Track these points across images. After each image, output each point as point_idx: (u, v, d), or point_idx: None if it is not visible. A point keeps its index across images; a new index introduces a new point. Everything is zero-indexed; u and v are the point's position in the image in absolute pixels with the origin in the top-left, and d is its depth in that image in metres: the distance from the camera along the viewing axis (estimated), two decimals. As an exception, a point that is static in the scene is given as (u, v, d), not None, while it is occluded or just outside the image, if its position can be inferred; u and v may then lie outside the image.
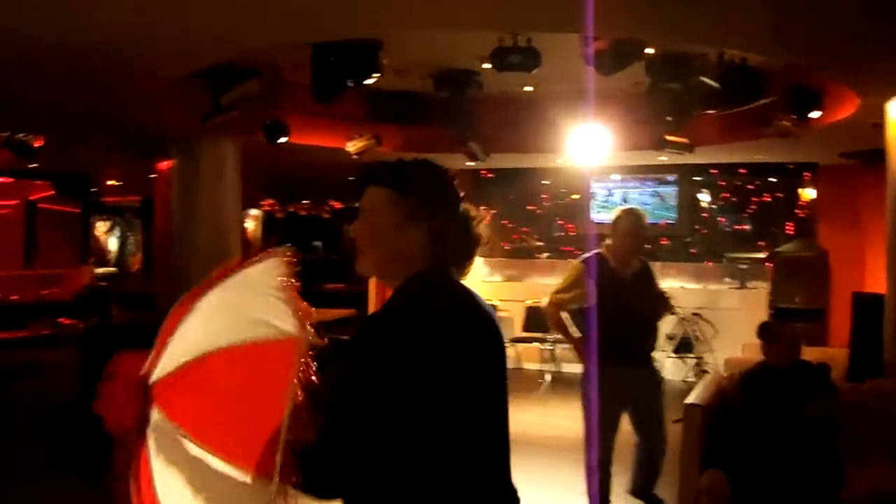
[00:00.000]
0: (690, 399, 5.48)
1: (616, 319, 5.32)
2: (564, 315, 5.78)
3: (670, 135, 10.06)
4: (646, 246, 5.82)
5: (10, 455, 7.47)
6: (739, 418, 5.06)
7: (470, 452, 2.12)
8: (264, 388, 1.88)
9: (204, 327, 1.98)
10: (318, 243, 15.92)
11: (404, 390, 1.97)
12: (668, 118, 9.57)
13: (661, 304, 5.68)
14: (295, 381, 1.82)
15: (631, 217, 5.56)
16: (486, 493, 2.17)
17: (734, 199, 13.71)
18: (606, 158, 11.12)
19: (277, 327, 1.88)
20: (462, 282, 2.23)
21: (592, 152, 10.48)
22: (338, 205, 15.69)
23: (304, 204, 16.27)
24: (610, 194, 14.08)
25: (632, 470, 5.77)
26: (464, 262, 2.22)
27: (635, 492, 5.77)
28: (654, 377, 5.76)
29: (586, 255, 5.69)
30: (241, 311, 1.96)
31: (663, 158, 12.10)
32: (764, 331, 5.54)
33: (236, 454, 1.86)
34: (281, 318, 1.89)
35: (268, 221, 16.15)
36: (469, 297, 2.21)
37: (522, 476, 6.60)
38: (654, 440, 5.66)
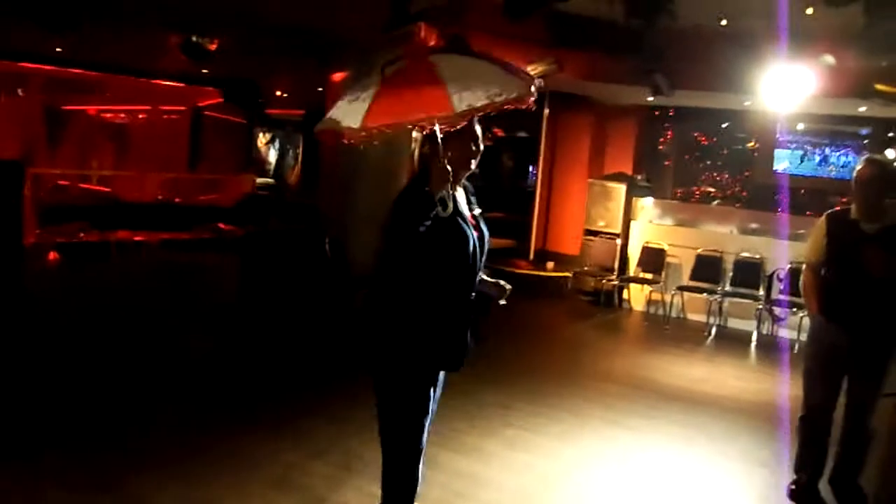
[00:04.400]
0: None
1: (848, 276, 4.92)
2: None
3: (881, 83, 9.14)
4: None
5: (173, 354, 7.52)
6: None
7: None
8: None
9: None
10: (477, 170, 15.57)
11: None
12: (883, 63, 8.66)
13: None
14: None
15: (872, 167, 4.93)
16: None
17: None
18: (798, 105, 10.28)
19: None
20: None
21: (787, 96, 9.66)
22: (500, 132, 15.26)
23: (467, 130, 15.89)
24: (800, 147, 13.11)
25: (834, 455, 5.24)
26: None
27: (833, 480, 5.24)
28: (884, 349, 5.10)
29: (831, 210, 5.28)
30: None
31: (862, 109, 11.14)
32: None
33: None
34: None
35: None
36: None
37: (698, 435, 6.13)
38: (861, 415, 5.09)
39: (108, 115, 19.33)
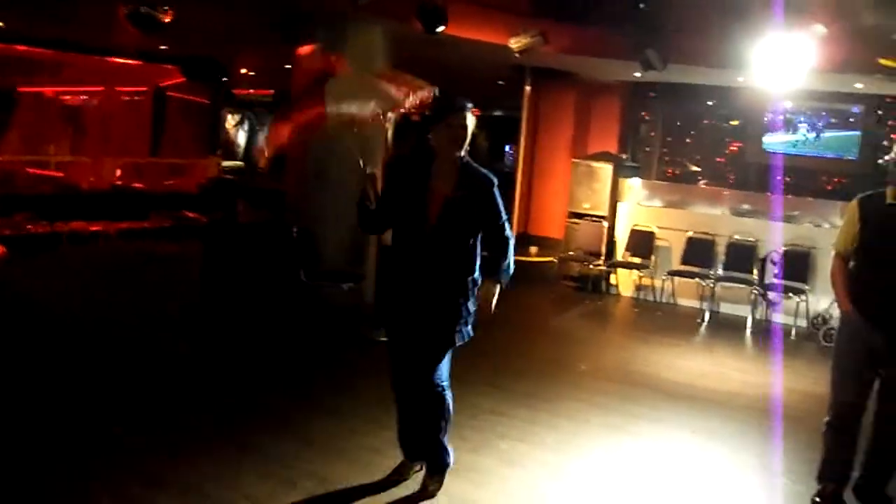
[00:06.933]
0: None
1: (884, 268, 4.43)
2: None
3: (885, 58, 8.59)
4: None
5: (129, 348, 6.89)
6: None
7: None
8: None
9: None
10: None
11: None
12: (894, 37, 8.10)
13: None
14: None
15: None
16: None
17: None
18: (793, 81, 9.73)
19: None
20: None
21: (784, 71, 9.09)
22: (476, 111, 14.56)
23: (442, 109, 15.27)
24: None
25: (861, 463, 4.73)
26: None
27: (859, 489, 4.71)
28: None
29: (864, 193, 4.68)
30: None
31: (859, 86, 10.62)
32: None
33: None
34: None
35: (401, 125, 15.18)
36: None
37: (709, 440, 5.53)
38: (893, 421, 4.56)
39: (66, 97, 18.47)
